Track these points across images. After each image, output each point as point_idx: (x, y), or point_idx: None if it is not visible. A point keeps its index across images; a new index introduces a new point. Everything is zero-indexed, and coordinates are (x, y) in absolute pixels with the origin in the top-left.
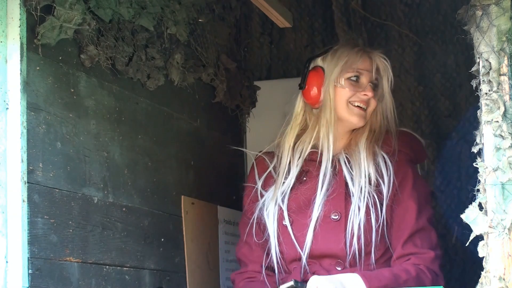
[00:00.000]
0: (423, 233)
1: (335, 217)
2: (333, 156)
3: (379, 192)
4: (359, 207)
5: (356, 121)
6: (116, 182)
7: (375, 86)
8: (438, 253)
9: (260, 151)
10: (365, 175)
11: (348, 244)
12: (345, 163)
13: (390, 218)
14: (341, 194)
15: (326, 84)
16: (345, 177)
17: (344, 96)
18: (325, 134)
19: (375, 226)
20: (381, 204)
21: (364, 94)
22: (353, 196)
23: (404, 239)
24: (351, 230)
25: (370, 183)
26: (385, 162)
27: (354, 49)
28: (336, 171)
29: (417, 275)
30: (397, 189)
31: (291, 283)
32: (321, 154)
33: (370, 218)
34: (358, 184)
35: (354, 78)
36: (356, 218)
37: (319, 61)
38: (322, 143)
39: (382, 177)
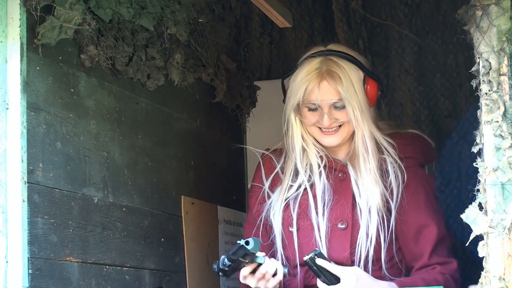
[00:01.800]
0: (444, 242)
1: (341, 226)
2: (339, 162)
3: (386, 201)
4: (366, 217)
5: (327, 143)
6: (116, 182)
7: (341, 107)
8: (455, 258)
9: (267, 149)
10: (373, 191)
11: (357, 253)
12: (352, 170)
13: (402, 227)
14: (348, 203)
15: (288, 113)
16: (352, 186)
17: (306, 123)
18: (308, 154)
19: (383, 236)
20: (389, 213)
21: (323, 125)
22: (360, 205)
23: (429, 251)
24: (358, 240)
25: (377, 194)
26: (394, 170)
27: (307, 76)
28: (344, 178)
29: (445, 284)
30: (405, 197)
31: (312, 254)
32: (324, 161)
33: (378, 227)
34: (365, 193)
35: (313, 107)
36: (363, 228)
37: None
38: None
39: (390, 187)
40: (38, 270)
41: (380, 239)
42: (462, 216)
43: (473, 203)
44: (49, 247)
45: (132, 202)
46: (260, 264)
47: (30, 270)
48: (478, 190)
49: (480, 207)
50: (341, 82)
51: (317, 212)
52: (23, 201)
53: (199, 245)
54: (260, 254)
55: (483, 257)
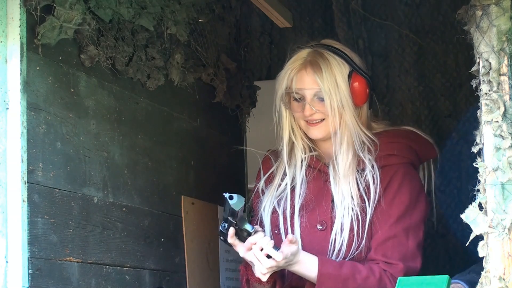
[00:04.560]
0: (396, 242)
1: (320, 227)
2: (322, 162)
3: (363, 203)
4: (340, 215)
5: (313, 136)
6: (116, 182)
7: (323, 98)
8: (411, 265)
9: (268, 150)
10: (348, 188)
11: (330, 251)
12: (332, 170)
13: (373, 226)
14: (327, 204)
15: (277, 103)
16: (331, 188)
17: (294, 115)
18: (295, 149)
19: (358, 238)
20: (366, 215)
21: (305, 115)
22: (337, 208)
23: (376, 243)
24: (330, 237)
25: (353, 197)
26: (371, 169)
27: (291, 65)
28: (326, 179)
29: (381, 277)
30: (381, 196)
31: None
32: (308, 159)
33: (352, 226)
34: (341, 192)
35: (297, 97)
36: (339, 229)
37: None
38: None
39: (367, 187)
40: (38, 270)
41: (353, 239)
42: (462, 216)
43: (473, 203)
44: (49, 247)
45: (132, 202)
46: (249, 233)
47: (30, 270)
48: (478, 190)
49: (480, 207)
50: (321, 72)
51: (293, 213)
52: (23, 201)
53: (199, 245)
54: (258, 228)
55: (483, 257)
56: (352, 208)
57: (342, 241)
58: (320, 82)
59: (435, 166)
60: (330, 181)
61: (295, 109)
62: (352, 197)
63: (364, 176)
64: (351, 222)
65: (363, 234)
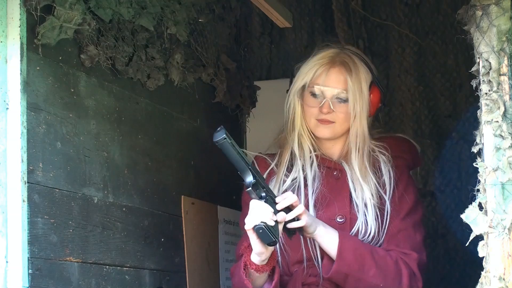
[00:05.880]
0: (407, 234)
1: (340, 220)
2: (333, 161)
3: (380, 198)
4: (362, 210)
5: (321, 134)
6: (116, 182)
7: (343, 100)
8: (421, 257)
9: (260, 152)
10: (367, 186)
11: None
12: (348, 168)
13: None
14: (346, 198)
15: (292, 96)
16: (348, 182)
17: (306, 110)
18: (302, 142)
19: (379, 233)
20: (383, 207)
21: (321, 111)
22: (356, 201)
23: (389, 236)
24: (356, 233)
25: (372, 195)
26: (387, 169)
27: (320, 60)
28: (339, 176)
29: (397, 260)
30: (394, 193)
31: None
32: (318, 158)
33: (374, 224)
34: (360, 189)
35: (316, 92)
36: (360, 221)
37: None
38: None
39: (383, 184)
40: (38, 270)
41: (375, 233)
42: (462, 216)
43: (473, 203)
44: (49, 247)
45: (132, 202)
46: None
47: (30, 270)
48: (478, 190)
49: (480, 207)
50: (351, 74)
51: (307, 206)
52: (23, 201)
53: (199, 245)
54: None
55: (483, 257)
56: (373, 206)
57: (367, 238)
58: (350, 82)
59: (414, 175)
60: (347, 178)
61: (310, 104)
62: (372, 195)
63: (380, 175)
64: (373, 218)
65: (384, 228)
